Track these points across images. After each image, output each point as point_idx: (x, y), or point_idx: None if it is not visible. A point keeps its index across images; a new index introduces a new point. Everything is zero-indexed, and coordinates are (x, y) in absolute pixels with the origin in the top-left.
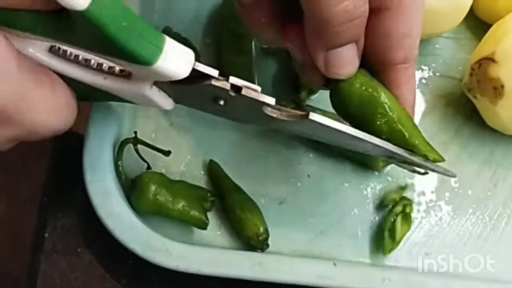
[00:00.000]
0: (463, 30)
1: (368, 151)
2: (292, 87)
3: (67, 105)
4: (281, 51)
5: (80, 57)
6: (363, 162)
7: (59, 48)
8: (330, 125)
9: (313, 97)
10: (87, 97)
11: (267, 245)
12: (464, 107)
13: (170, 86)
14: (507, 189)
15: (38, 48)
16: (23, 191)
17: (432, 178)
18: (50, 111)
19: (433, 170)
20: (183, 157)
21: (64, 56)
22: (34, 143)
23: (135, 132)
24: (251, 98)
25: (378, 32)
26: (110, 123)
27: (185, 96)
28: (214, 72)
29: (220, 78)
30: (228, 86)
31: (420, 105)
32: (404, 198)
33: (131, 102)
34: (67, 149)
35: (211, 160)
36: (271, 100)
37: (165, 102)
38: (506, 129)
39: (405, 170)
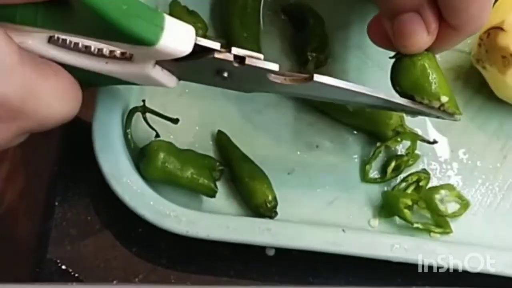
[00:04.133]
0: None
1: (375, 106)
2: (299, 60)
3: (72, 93)
4: (288, 24)
5: (80, 45)
6: (372, 133)
7: (58, 38)
8: (335, 84)
9: (320, 69)
10: (90, 83)
11: (276, 213)
12: (473, 80)
13: (173, 64)
14: None
15: (37, 40)
16: (38, 164)
17: (440, 149)
18: (56, 100)
19: (437, 117)
20: (191, 127)
21: (63, 45)
22: None
23: (143, 101)
24: (255, 67)
25: None
26: (119, 94)
27: (189, 72)
28: (216, 45)
29: (223, 50)
30: (231, 58)
31: None
32: (424, 171)
33: (135, 84)
34: (77, 119)
35: (219, 130)
36: (275, 67)
37: (169, 80)
38: None
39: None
